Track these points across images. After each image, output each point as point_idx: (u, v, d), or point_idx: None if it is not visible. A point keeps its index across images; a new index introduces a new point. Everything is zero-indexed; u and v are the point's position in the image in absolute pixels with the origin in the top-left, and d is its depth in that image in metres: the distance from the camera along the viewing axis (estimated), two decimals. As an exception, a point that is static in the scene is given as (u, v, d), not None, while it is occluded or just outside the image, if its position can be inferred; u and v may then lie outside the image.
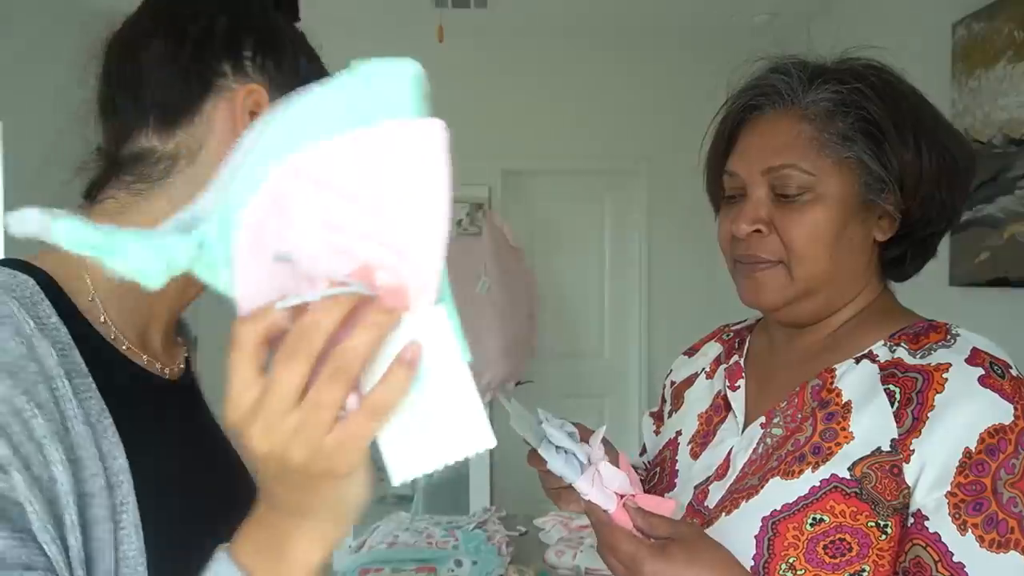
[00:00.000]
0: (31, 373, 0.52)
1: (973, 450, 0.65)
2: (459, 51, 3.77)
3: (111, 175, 0.64)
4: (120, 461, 0.55)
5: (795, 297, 0.78)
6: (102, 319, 0.62)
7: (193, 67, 0.63)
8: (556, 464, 0.73)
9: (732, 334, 0.98)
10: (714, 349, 0.97)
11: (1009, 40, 2.26)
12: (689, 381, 0.97)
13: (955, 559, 0.63)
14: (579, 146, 3.92)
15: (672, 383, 1.01)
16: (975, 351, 0.70)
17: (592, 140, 3.92)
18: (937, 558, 0.64)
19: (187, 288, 0.68)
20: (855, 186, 0.76)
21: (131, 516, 0.54)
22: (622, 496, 0.70)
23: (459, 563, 2.52)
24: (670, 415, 0.97)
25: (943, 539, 0.64)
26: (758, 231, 0.78)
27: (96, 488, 0.53)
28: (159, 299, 0.66)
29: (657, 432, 1.02)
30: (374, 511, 4.13)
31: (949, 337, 0.73)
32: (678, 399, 0.96)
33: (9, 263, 0.59)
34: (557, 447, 0.74)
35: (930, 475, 0.66)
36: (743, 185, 0.80)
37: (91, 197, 0.65)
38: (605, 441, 0.81)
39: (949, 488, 0.65)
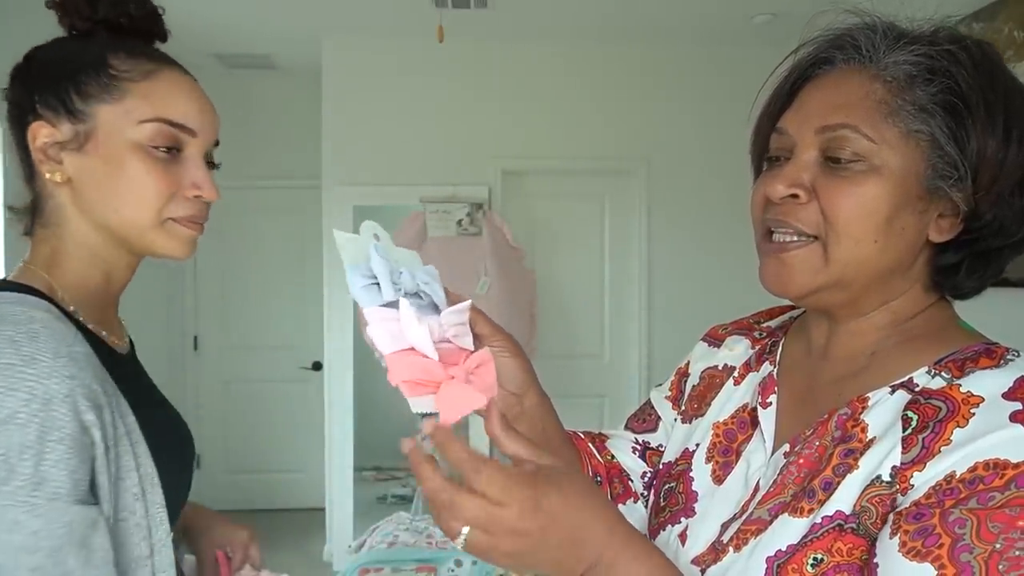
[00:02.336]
0: (90, 356, 0.73)
1: (957, 476, 0.57)
2: (459, 51, 3.77)
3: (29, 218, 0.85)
4: (130, 419, 0.77)
5: (825, 285, 0.68)
6: (71, 309, 0.80)
7: (13, 129, 0.82)
8: (355, 284, 0.65)
9: (765, 334, 0.86)
10: (741, 346, 0.86)
11: (1009, 40, 2.26)
12: (712, 384, 0.86)
13: (875, 558, 0.59)
14: (579, 146, 3.91)
15: (688, 374, 0.91)
16: (1021, 381, 0.59)
17: (592, 140, 3.92)
18: (868, 557, 0.60)
19: (128, 274, 0.88)
20: (921, 167, 0.64)
21: (143, 447, 0.77)
22: (412, 351, 0.62)
23: (459, 563, 2.52)
24: (687, 418, 0.87)
25: (878, 540, 0.60)
26: (795, 196, 0.67)
27: (121, 435, 0.75)
28: (113, 286, 0.86)
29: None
30: (374, 511, 4.13)
31: (1002, 362, 0.62)
32: (698, 405, 0.86)
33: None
34: (374, 277, 0.65)
35: (905, 501, 0.59)
36: (792, 145, 0.69)
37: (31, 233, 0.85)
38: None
39: (907, 505, 0.58)
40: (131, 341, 0.94)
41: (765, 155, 0.74)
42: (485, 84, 3.88)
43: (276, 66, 4.31)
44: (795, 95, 0.72)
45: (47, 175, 0.79)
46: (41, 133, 0.79)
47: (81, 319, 0.81)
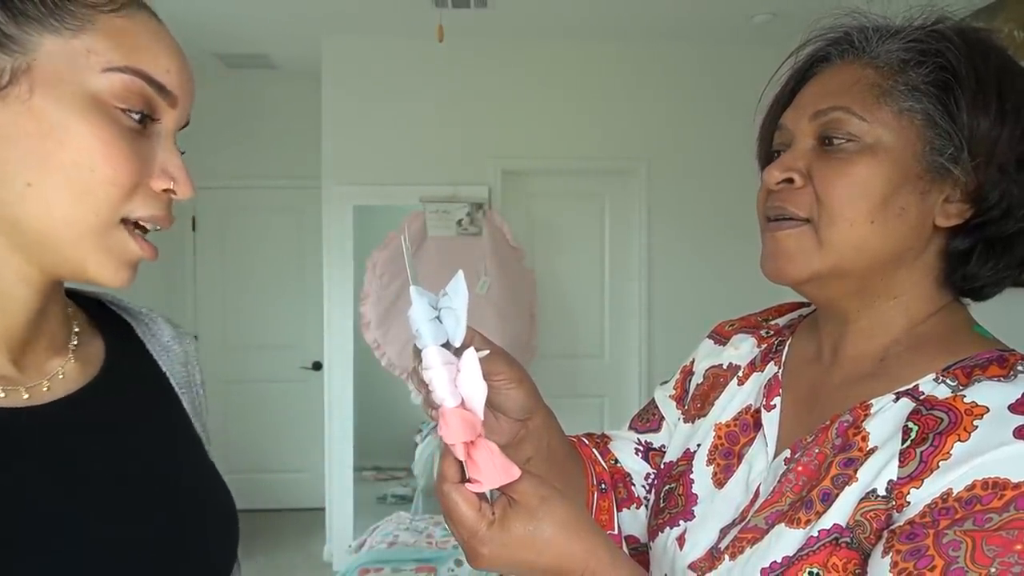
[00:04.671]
0: None
1: (954, 494, 0.55)
2: (459, 51, 3.77)
3: None
4: None
5: (822, 271, 0.66)
6: None
7: None
8: (422, 315, 0.58)
9: (772, 332, 0.84)
10: (747, 344, 0.84)
11: (1009, 40, 2.26)
12: (716, 383, 0.84)
13: None
14: (579, 146, 3.91)
15: (693, 372, 0.89)
16: None
17: (592, 140, 3.91)
18: (861, 572, 0.59)
19: (31, 303, 0.58)
20: (917, 145, 0.63)
21: None
22: (464, 407, 0.58)
23: (459, 563, 2.52)
24: (689, 418, 0.85)
25: (870, 557, 0.58)
26: (790, 180, 0.67)
27: None
28: (7, 316, 0.58)
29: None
30: (374, 511, 4.13)
31: (1012, 373, 0.59)
32: (701, 404, 0.84)
33: None
34: (433, 308, 0.59)
35: (900, 518, 0.57)
36: (791, 139, 0.70)
37: None
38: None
39: (901, 524, 0.57)
40: (102, 377, 0.64)
41: (770, 153, 0.74)
42: (485, 84, 3.88)
43: (276, 66, 4.31)
44: (795, 96, 0.73)
45: None
46: None
47: None
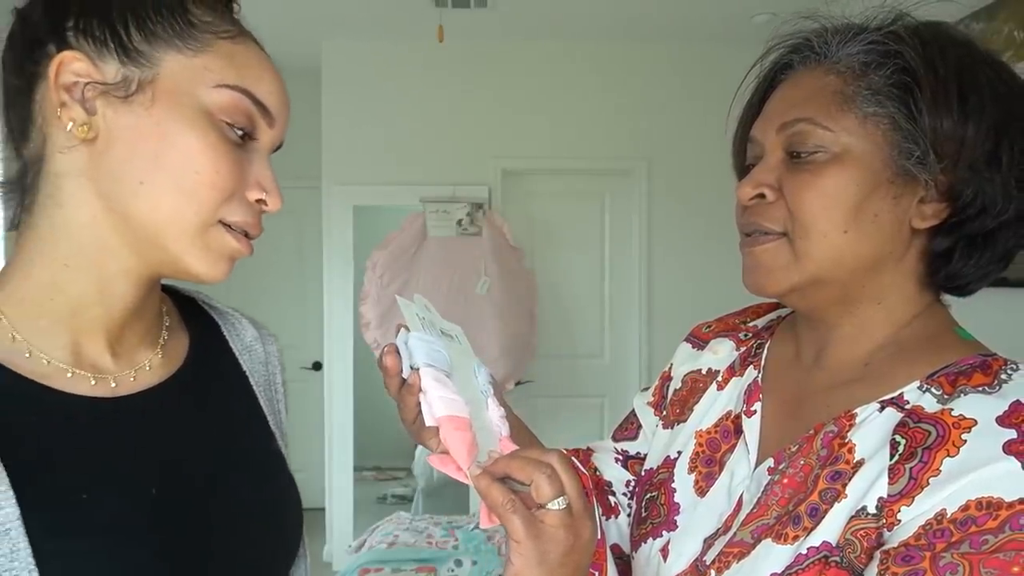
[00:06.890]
0: None
1: (948, 516, 0.54)
2: (459, 51, 3.77)
3: (14, 202, 0.62)
4: (7, 510, 0.51)
5: (802, 283, 0.66)
6: (13, 337, 0.58)
7: (16, 61, 0.59)
8: (415, 337, 0.65)
9: (750, 334, 0.83)
10: (726, 348, 0.83)
11: (1009, 40, 2.26)
12: (695, 388, 0.83)
13: None
14: (579, 146, 3.92)
15: (671, 378, 0.88)
16: (1017, 406, 0.55)
17: (592, 140, 3.92)
18: None
19: (132, 293, 0.62)
20: (884, 150, 0.62)
21: (23, 564, 0.51)
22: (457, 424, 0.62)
23: (459, 563, 2.52)
24: (668, 424, 0.84)
25: None
26: (762, 196, 0.67)
27: None
28: (110, 307, 0.62)
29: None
30: (374, 511, 4.13)
31: (996, 382, 0.58)
32: (680, 409, 0.83)
33: None
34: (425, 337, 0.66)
35: (892, 537, 0.56)
36: (762, 152, 0.69)
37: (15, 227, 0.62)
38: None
39: (895, 545, 0.55)
40: (186, 366, 0.69)
41: (745, 166, 0.74)
42: (485, 84, 3.88)
43: (276, 66, 4.31)
44: (764, 105, 0.72)
45: (68, 124, 0.56)
46: (74, 67, 0.56)
47: (14, 340, 0.58)
